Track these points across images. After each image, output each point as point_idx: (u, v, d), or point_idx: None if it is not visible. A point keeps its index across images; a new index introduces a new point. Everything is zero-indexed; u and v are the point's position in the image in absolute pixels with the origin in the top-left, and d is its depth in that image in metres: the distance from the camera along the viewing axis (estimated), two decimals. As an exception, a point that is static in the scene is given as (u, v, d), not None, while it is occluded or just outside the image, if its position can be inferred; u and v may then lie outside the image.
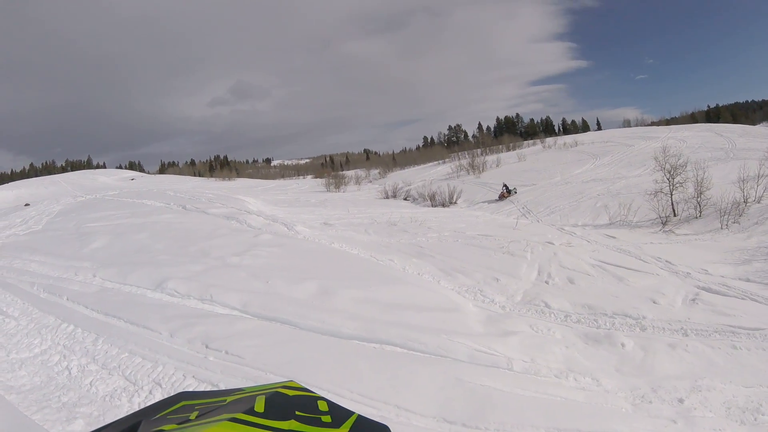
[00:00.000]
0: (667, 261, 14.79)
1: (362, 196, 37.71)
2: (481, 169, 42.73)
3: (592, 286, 12.49)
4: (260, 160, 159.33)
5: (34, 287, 11.61)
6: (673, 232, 20.28)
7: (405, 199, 34.13)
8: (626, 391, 7.86)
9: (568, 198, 27.69)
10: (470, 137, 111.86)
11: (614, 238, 18.82)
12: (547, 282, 12.74)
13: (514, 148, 62.75)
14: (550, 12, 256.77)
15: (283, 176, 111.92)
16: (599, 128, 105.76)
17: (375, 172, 70.96)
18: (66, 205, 27.13)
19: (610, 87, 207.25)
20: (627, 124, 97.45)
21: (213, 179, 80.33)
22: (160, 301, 10.06)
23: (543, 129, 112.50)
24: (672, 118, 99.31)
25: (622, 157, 39.51)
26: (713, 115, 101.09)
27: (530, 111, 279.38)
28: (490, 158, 48.40)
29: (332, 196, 37.81)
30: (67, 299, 10.59)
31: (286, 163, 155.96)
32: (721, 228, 19.64)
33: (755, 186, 21.74)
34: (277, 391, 1.50)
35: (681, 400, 7.68)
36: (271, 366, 6.80)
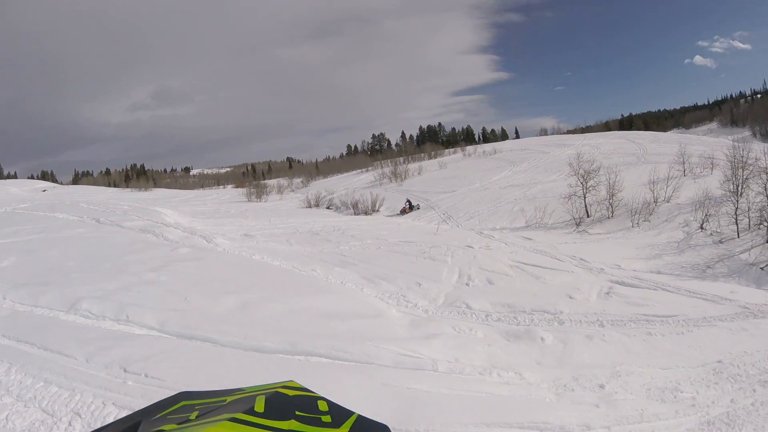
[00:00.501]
0: (581, 259, 15.67)
1: (284, 206, 37.57)
2: (403, 176, 43.89)
3: (510, 286, 13.09)
4: (179, 169, 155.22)
5: None
6: (586, 232, 21.53)
7: (328, 207, 34.38)
8: (549, 383, 8.31)
9: (486, 203, 28.73)
10: (393, 146, 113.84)
11: (531, 239, 19.73)
12: (467, 284, 13.23)
13: (435, 156, 64.96)
14: (476, 25, 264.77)
15: (202, 186, 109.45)
16: (517, 137, 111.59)
17: (298, 180, 70.92)
18: (-30, 220, 25.59)
19: (529, 98, 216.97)
20: (544, 132, 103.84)
21: (129, 190, 77.63)
22: (74, 324, 9.67)
23: (464, 138, 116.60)
24: (587, 127, 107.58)
25: (538, 164, 41.34)
26: (626, 124, 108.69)
27: (452, 120, 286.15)
28: (413, 166, 49.87)
29: (253, 206, 37.41)
30: None
31: (206, 172, 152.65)
32: (633, 226, 21.12)
33: (665, 187, 23.33)
34: (277, 391, 1.54)
35: (602, 386, 8.22)
36: (193, 386, 6.61)
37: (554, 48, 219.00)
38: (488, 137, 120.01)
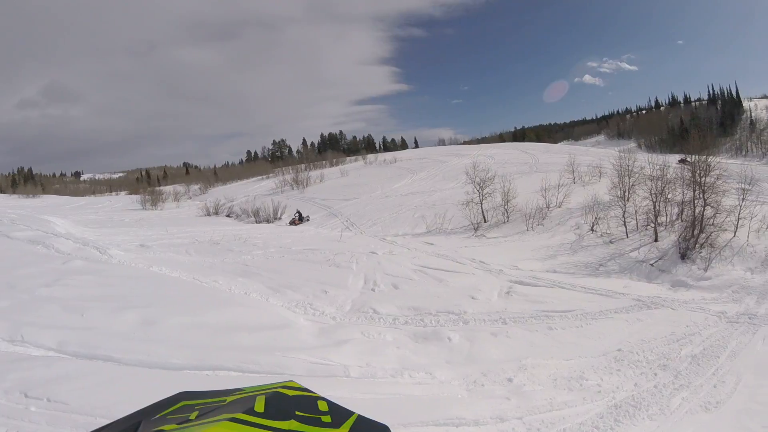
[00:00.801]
0: (481, 261, 16.39)
1: (182, 214, 36.63)
2: (305, 184, 43.86)
3: (415, 290, 13.47)
4: (69, 174, 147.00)
5: None
6: (484, 236, 22.50)
7: (228, 215, 33.70)
8: (459, 380, 8.69)
9: (388, 210, 29.24)
10: (295, 153, 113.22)
11: (432, 244, 20.34)
12: (373, 290, 13.50)
13: (337, 164, 65.32)
14: (378, 37, 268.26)
15: (94, 192, 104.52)
16: (417, 146, 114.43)
17: (195, 187, 69.13)
18: None
19: (429, 109, 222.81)
20: (442, 142, 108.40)
21: (16, 196, 72.67)
22: (-38, 346, 8.99)
23: (365, 146, 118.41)
24: (483, 138, 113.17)
25: (437, 172, 42.56)
26: (519, 136, 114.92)
27: (354, 129, 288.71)
28: (315, 173, 50.06)
29: (149, 214, 36.17)
30: None
31: (97, 177, 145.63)
32: (527, 230, 22.30)
33: (556, 194, 24.78)
34: (277, 391, 1.56)
35: (510, 380, 8.69)
36: (99, 409, 6.43)
37: (452, 63, 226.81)
38: (388, 146, 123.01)
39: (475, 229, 23.71)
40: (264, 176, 68.24)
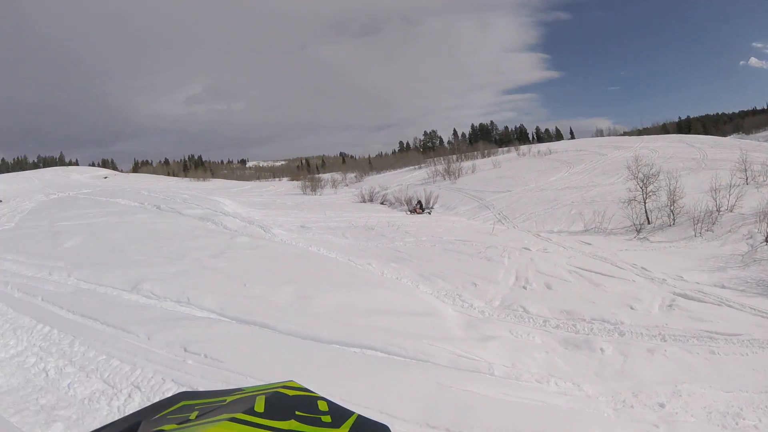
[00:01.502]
0: (642, 267, 15.00)
1: (339, 200, 37.70)
2: (457, 174, 43.10)
3: (569, 292, 12.57)
4: (235, 161, 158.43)
5: (8, 286, 11.28)
6: (647, 240, 20.65)
7: (382, 203, 34.20)
8: (607, 396, 7.93)
9: (543, 205, 28.00)
10: (446, 143, 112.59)
11: (589, 244, 19.04)
12: (524, 287, 12.78)
13: (488, 155, 63.49)
14: (523, 23, 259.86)
15: (258, 178, 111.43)
16: (572, 137, 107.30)
17: (351, 175, 71.10)
18: (39, 202, 26.74)
19: (582, 97, 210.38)
20: (599, 133, 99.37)
21: (188, 179, 79.60)
22: (136, 303, 9.91)
23: (517, 137, 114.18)
24: (644, 129, 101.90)
25: (595, 166, 40.07)
26: (684, 127, 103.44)
27: (504, 119, 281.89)
28: (466, 164, 48.68)
29: (309, 199, 37.72)
30: (42, 299, 10.32)
31: (261, 165, 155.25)
32: (695, 236, 19.98)
33: (727, 195, 22.14)
34: (277, 391, 1.51)
35: (662, 405, 7.79)
36: (251, 369, 6.71)
37: (604, 46, 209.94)
38: (542, 137, 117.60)
39: (638, 231, 21.74)
40: (416, 166, 68.68)
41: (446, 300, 11.95)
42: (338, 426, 1.36)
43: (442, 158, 57.15)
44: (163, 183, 66.23)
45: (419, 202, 30.00)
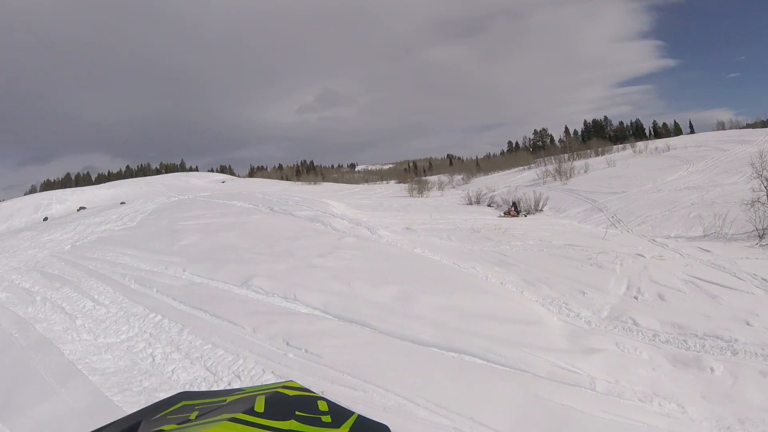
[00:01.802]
0: (763, 278, 13.61)
1: (445, 202, 37.48)
2: (568, 175, 41.14)
3: (683, 304, 11.58)
4: (345, 165, 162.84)
5: (126, 278, 12.34)
6: (771, 246, 18.78)
7: (489, 205, 33.51)
8: (711, 421, 7.18)
9: (659, 207, 26.25)
10: (556, 142, 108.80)
11: (708, 251, 17.52)
12: (636, 297, 11.93)
13: (602, 153, 60.36)
14: (632, 9, 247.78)
15: (366, 181, 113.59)
16: (692, 131, 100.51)
17: (458, 177, 70.86)
18: (159, 204, 28.43)
19: (700, 87, 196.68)
20: (721, 126, 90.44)
21: (299, 183, 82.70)
22: (245, 298, 10.31)
23: (633, 132, 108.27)
24: None
25: (716, 163, 37.05)
26: None
27: (618, 114, 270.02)
28: (578, 164, 46.45)
29: (415, 201, 37.77)
30: (157, 291, 11.13)
31: (369, 168, 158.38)
32: (828, 245, 17.92)
33: None
34: (277, 391, 1.54)
35: None
36: (348, 367, 6.75)
37: (723, 29, 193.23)
38: (659, 132, 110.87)
39: (761, 237, 19.58)
40: (525, 167, 67.10)
41: (551, 308, 11.40)
42: (338, 426, 1.38)
43: (552, 158, 54.84)
44: (277, 187, 69.03)
45: (514, 204, 29.14)
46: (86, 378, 7.20)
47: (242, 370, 6.91)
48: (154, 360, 7.76)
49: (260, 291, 10.60)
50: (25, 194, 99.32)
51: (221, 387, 6.48)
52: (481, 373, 7.29)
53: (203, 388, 6.51)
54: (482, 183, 50.91)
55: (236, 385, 6.44)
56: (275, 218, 20.31)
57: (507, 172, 69.68)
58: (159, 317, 9.46)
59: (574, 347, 8.91)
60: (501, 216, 27.32)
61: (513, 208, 28.27)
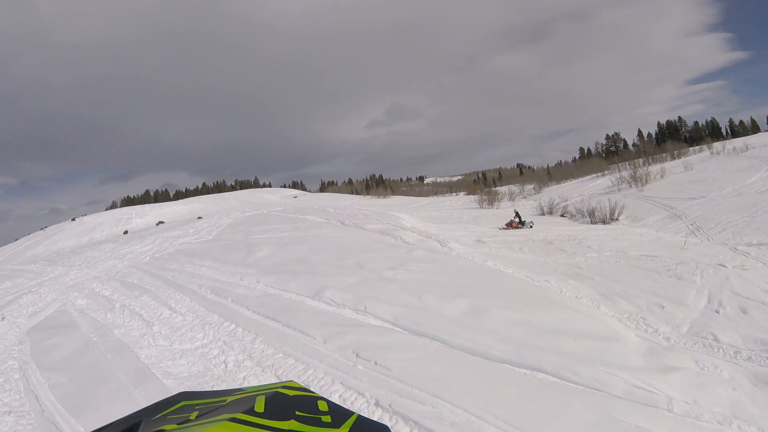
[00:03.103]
0: None
1: (517, 213, 36.83)
2: (644, 181, 39.25)
3: (766, 318, 10.94)
4: (413, 178, 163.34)
5: (202, 288, 12.92)
6: None
7: (562, 215, 32.56)
8: None
9: (740, 212, 24.78)
10: (630, 146, 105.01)
11: (795, 259, 16.52)
12: (717, 311, 11.19)
13: (678, 156, 57.56)
14: (696, 1, 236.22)
15: (435, 193, 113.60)
16: None
17: (529, 187, 69.59)
18: (235, 218, 29.39)
19: None
20: None
21: (369, 197, 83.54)
22: (316, 309, 10.44)
23: (709, 132, 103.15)
24: None
25: (799, 161, 35.00)
26: None
27: (692, 113, 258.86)
28: (654, 168, 44.19)
29: (485, 212, 37.38)
30: (231, 301, 11.56)
31: (438, 180, 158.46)
32: None
33: None
34: (277, 391, 1.53)
35: None
36: (418, 381, 6.68)
37: None
38: (736, 130, 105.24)
39: None
40: (598, 174, 65.28)
41: (628, 323, 10.87)
42: (338, 426, 1.38)
43: (627, 163, 52.98)
44: (347, 201, 69.98)
45: (517, 214, 28.25)
46: (160, 381, 7.56)
47: (312, 380, 6.99)
48: (226, 366, 8.03)
49: (331, 303, 10.71)
50: (106, 209, 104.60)
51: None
52: (553, 391, 7.04)
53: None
54: (554, 192, 49.90)
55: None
56: (346, 232, 20.50)
57: (580, 180, 68.03)
58: (233, 326, 9.79)
59: (652, 365, 8.47)
60: (503, 228, 26.22)
61: (516, 219, 27.35)
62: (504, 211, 39.42)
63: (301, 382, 6.93)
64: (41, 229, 77.40)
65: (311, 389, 1.57)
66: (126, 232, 46.94)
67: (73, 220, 76.77)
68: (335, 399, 6.37)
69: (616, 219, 27.90)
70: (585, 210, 29.54)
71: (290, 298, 11.33)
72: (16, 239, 71.61)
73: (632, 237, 21.30)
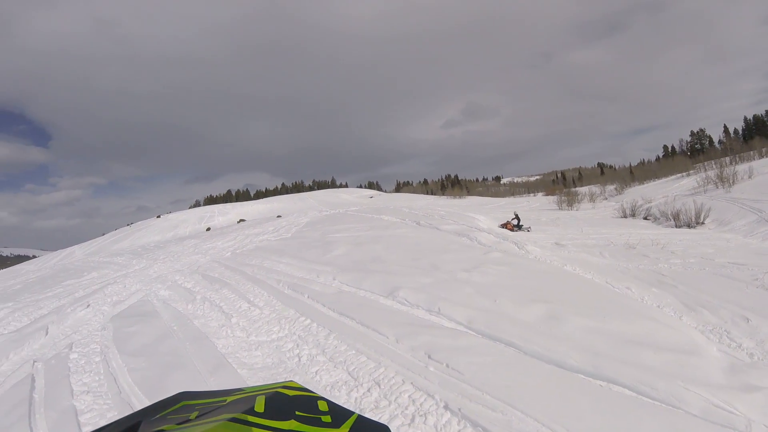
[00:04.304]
0: None
1: (597, 215, 35.76)
2: (731, 181, 36.62)
3: None
4: (489, 178, 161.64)
5: (280, 284, 13.38)
6: None
7: (645, 218, 31.25)
8: None
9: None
10: (716, 143, 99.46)
11: None
12: None
13: (767, 154, 54.47)
14: None
15: (512, 194, 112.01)
16: None
17: (611, 188, 67.48)
18: (313, 217, 29.99)
19: None
20: None
21: (444, 197, 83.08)
22: (390, 308, 10.52)
23: None
24: None
25: None
26: None
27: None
28: (741, 168, 40.86)
29: (564, 214, 36.47)
30: (308, 297, 11.87)
31: (515, 181, 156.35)
32: None
33: None
34: (277, 391, 1.52)
35: None
36: (489, 387, 6.60)
37: None
38: None
39: None
40: (683, 173, 62.47)
41: (711, 336, 10.25)
42: (338, 426, 1.37)
43: (713, 162, 49.98)
44: (422, 201, 70.02)
45: (516, 216, 27.04)
46: (235, 370, 7.89)
47: (382, 378, 7.06)
48: (300, 360, 8.28)
49: (405, 302, 10.77)
50: (189, 207, 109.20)
51: (361, 392, 6.70)
52: (628, 405, 6.74)
53: (343, 392, 6.81)
54: (636, 193, 48.11)
55: (375, 393, 6.61)
56: (421, 232, 20.50)
57: (663, 180, 65.24)
58: (308, 321, 10.07)
59: (733, 383, 7.96)
60: (501, 226, 25.09)
61: (514, 220, 26.18)
62: (583, 213, 38.41)
63: (371, 379, 7.05)
64: (127, 225, 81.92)
65: (311, 389, 1.57)
66: (208, 229, 48.64)
67: (158, 217, 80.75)
68: (405, 399, 6.45)
69: (702, 223, 26.55)
70: (669, 213, 28.31)
71: (364, 296, 11.48)
72: (103, 234, 76.07)
73: (718, 242, 20.23)
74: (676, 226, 26.51)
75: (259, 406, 1.36)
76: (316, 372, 7.61)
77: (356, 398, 6.59)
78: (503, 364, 7.69)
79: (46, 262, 47.87)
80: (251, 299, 12.25)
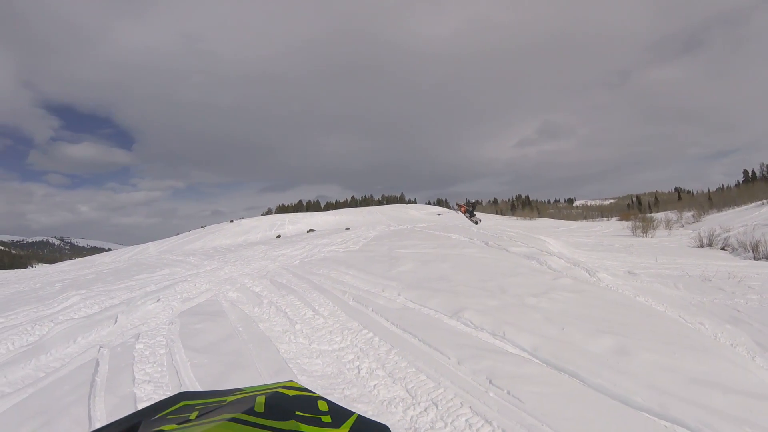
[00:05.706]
0: None
1: (673, 243, 34.23)
2: None
3: None
4: (562, 200, 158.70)
5: (345, 295, 13.56)
6: None
7: (722, 248, 29.68)
8: None
9: None
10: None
11: None
12: None
13: None
14: None
15: (585, 217, 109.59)
16: None
17: (688, 214, 64.69)
18: (381, 232, 30.18)
19: None
20: None
21: (514, 218, 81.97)
22: (454, 329, 10.44)
23: None
24: None
25: None
26: None
27: None
28: None
29: (638, 241, 35.18)
30: (372, 310, 11.98)
31: (588, 204, 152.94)
32: None
33: None
34: (277, 391, 1.53)
35: None
36: (550, 418, 6.44)
37: None
38: None
39: None
40: (764, 201, 59.55)
41: None
42: (338, 426, 1.39)
43: None
44: (492, 221, 69.28)
45: (472, 205, 26.09)
46: (295, 376, 8.08)
47: (441, 399, 7.02)
48: (359, 372, 8.36)
49: (469, 324, 10.66)
50: (262, 215, 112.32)
51: (418, 411, 6.70)
52: (691, 451, 6.48)
53: (400, 409, 6.84)
54: (715, 221, 46.04)
55: (432, 413, 6.60)
56: (489, 252, 20.24)
57: (743, 207, 62.06)
58: (371, 334, 10.17)
59: None
60: (455, 210, 25.08)
61: (468, 207, 25.37)
62: (659, 240, 37.04)
63: (429, 399, 7.05)
64: (201, 227, 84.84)
65: (311, 389, 1.61)
66: (279, 237, 49.57)
67: (231, 221, 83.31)
68: (461, 423, 6.40)
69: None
70: (747, 243, 26.91)
71: (429, 315, 11.45)
72: (178, 233, 79.06)
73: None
74: (755, 258, 25.07)
75: (259, 406, 1.38)
76: (374, 386, 7.66)
77: (412, 416, 6.59)
78: (566, 395, 7.50)
79: (120, 256, 50.23)
80: (316, 308, 12.49)
